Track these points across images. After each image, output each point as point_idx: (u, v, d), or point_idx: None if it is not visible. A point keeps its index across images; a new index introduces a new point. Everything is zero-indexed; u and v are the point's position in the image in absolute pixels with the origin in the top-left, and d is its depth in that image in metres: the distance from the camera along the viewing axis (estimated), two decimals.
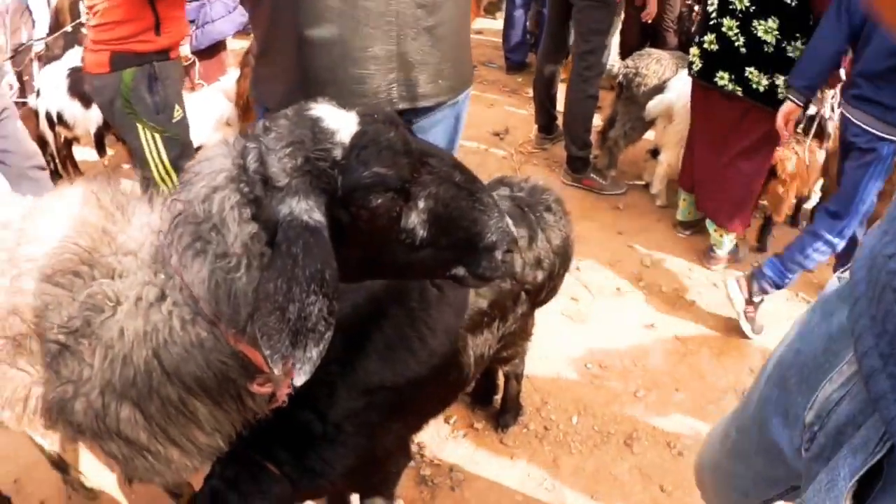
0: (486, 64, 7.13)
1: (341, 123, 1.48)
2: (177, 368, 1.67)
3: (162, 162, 3.79)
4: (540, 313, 3.15)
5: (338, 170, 1.44)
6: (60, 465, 3.57)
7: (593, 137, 4.80)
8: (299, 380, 1.42)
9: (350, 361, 1.94)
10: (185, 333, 1.62)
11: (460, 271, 1.60)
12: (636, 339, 3.55)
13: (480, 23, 8.41)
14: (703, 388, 3.25)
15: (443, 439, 3.23)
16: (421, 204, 1.51)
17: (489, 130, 5.68)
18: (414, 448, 3.19)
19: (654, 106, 4.35)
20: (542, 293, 2.40)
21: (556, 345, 3.54)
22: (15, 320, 1.84)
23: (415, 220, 1.51)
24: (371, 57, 2.25)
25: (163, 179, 3.84)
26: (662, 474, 2.92)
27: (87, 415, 1.82)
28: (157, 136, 3.72)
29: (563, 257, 2.37)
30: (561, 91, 5.14)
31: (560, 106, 5.06)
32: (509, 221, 1.57)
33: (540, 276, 2.26)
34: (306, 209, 1.41)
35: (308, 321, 1.40)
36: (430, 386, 2.10)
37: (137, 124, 3.68)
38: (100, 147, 5.95)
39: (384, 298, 2.04)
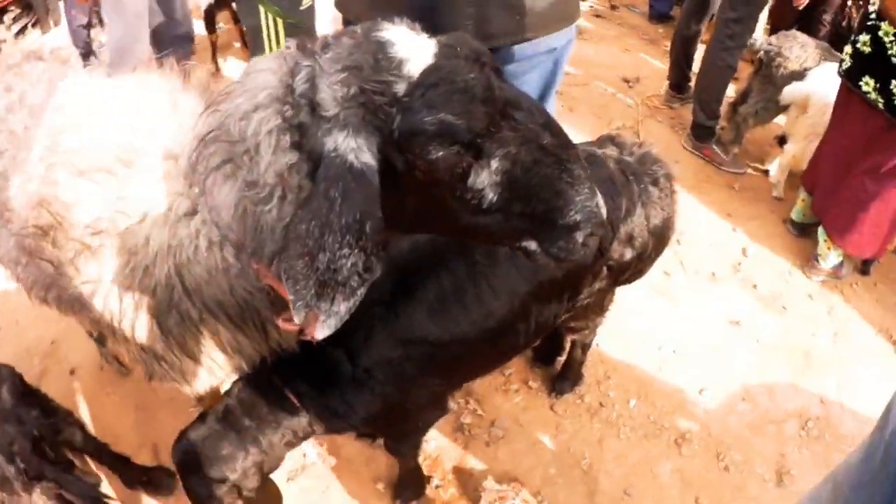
0: (630, 7, 6.74)
1: (413, 53, 1.27)
2: (198, 288, 1.60)
3: (278, 47, 3.58)
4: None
5: (397, 107, 1.25)
6: (97, 336, 3.66)
7: (723, 108, 4.49)
8: (321, 333, 1.30)
9: (395, 307, 1.80)
10: (209, 255, 1.54)
11: (531, 245, 1.39)
12: (717, 333, 3.32)
13: None
14: (770, 406, 3.02)
15: (493, 390, 3.13)
16: (495, 164, 1.30)
17: (620, 75, 5.38)
18: (461, 392, 3.11)
19: (789, 92, 4.03)
20: (626, 272, 2.19)
21: (635, 317, 3.35)
22: (43, 212, 1.83)
23: (485, 180, 1.31)
24: None
25: None
26: (702, 485, 2.75)
27: (104, 315, 1.82)
28: (279, 20, 3.54)
29: (659, 239, 2.16)
30: (700, 52, 4.81)
31: (696, 67, 4.74)
32: (600, 201, 1.34)
33: (628, 254, 2.06)
34: (353, 148, 1.24)
35: (338, 274, 1.26)
36: (479, 348, 1.98)
37: (259, 6, 3.50)
38: (209, 24, 5.85)
39: (448, 246, 1.87)
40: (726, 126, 4.49)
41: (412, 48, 1.28)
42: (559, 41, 2.14)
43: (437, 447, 2.94)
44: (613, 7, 6.61)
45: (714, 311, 3.42)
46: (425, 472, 2.79)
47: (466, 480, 2.82)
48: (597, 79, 5.27)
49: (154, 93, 1.88)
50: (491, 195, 1.32)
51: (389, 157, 1.28)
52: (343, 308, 1.30)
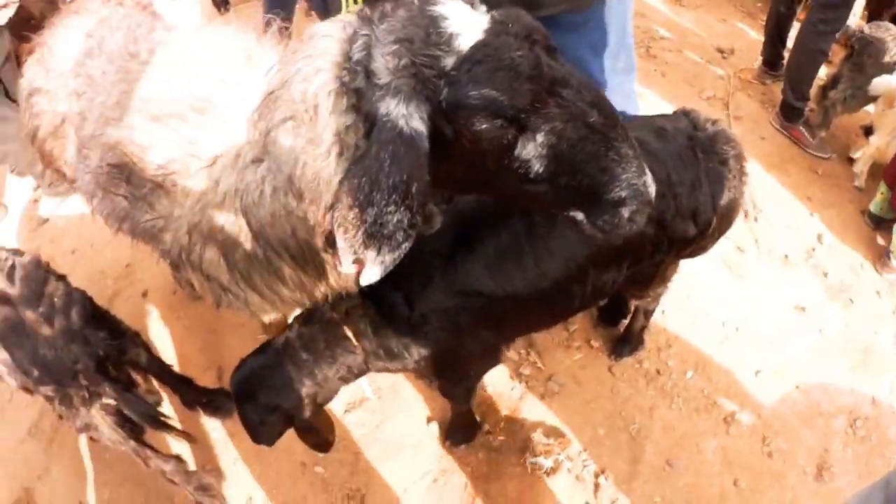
0: None
1: (464, 28, 1.34)
2: (262, 229, 1.71)
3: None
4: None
5: (445, 80, 1.33)
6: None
7: (813, 91, 4.36)
8: (365, 279, 1.40)
9: (454, 258, 1.88)
10: (273, 200, 1.63)
11: (579, 215, 1.46)
12: (782, 317, 3.29)
13: None
14: (822, 398, 3.00)
15: (555, 344, 3.21)
16: (540, 138, 1.37)
17: (714, 45, 5.28)
18: (523, 343, 3.21)
19: (877, 83, 3.90)
20: (688, 247, 2.21)
21: (702, 290, 3.37)
22: (118, 152, 1.98)
23: (531, 152, 1.38)
24: None
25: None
26: (743, 467, 2.78)
27: (174, 247, 2.00)
28: None
29: (724, 219, 2.17)
30: (795, 31, 4.62)
31: (791, 45, 4.57)
32: (649, 179, 1.39)
33: (691, 230, 2.08)
34: (404, 114, 1.33)
35: (384, 228, 1.35)
36: (532, 306, 2.05)
37: None
38: None
39: (509, 205, 1.92)
40: (815, 109, 4.38)
41: (463, 24, 1.34)
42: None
43: (493, 393, 3.03)
44: None
45: (781, 294, 3.39)
46: (478, 418, 2.90)
47: (517, 431, 2.92)
48: (691, 46, 5.18)
49: (229, 45, 2.00)
50: (537, 166, 1.39)
51: (439, 125, 1.36)
52: (388, 258, 1.40)
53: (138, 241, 2.36)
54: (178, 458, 2.90)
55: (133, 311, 3.17)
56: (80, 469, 3.46)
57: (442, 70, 1.33)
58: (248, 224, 1.74)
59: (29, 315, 2.68)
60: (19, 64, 5.12)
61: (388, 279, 1.44)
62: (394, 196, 1.34)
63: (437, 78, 1.33)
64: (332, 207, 1.45)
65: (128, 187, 2.00)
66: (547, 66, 1.35)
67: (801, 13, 4.74)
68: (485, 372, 2.48)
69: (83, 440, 3.52)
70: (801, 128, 4.34)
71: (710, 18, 5.63)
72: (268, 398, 2.04)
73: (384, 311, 1.93)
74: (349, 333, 1.98)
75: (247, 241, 1.80)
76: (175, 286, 3.85)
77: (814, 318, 3.30)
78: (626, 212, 1.44)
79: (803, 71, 4.24)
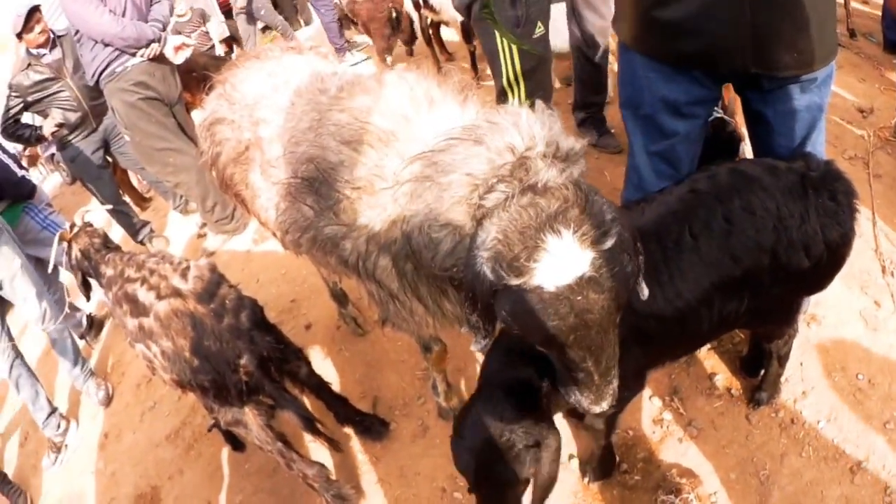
0: (868, 37, 6.76)
1: (546, 270, 1.67)
2: (419, 253, 2.10)
3: (514, 69, 4.04)
4: (837, 307, 3.32)
5: (501, 286, 1.74)
6: (340, 297, 4.33)
7: None
8: (474, 348, 2.00)
9: None
10: (420, 234, 2.05)
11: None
12: None
13: None
14: None
15: (698, 392, 3.50)
16: (539, 347, 1.93)
17: (855, 105, 5.53)
18: (668, 390, 3.52)
19: None
20: (804, 282, 2.50)
21: (839, 343, 3.59)
22: (310, 167, 2.41)
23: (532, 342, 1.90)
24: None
25: (510, 86, 4.11)
26: None
27: (352, 254, 2.37)
28: (513, 46, 3.96)
29: (835, 254, 2.43)
30: None
31: None
32: (600, 406, 1.93)
33: (804, 262, 2.36)
34: (481, 260, 1.76)
35: (470, 322, 1.96)
36: (670, 326, 2.35)
37: (495, 30, 3.92)
38: (466, 35, 6.63)
39: (645, 231, 2.26)
40: None
41: (553, 267, 1.67)
42: (821, 73, 2.52)
43: (634, 436, 3.35)
44: (852, 35, 6.68)
45: None
46: (617, 458, 3.21)
47: (653, 472, 3.21)
48: (832, 108, 5.24)
49: (414, 87, 2.33)
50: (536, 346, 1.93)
51: None
52: (482, 343, 1.95)
53: (314, 255, 2.71)
54: (321, 465, 3.17)
55: (296, 342, 3.50)
56: (216, 476, 3.84)
57: (503, 284, 1.71)
58: (409, 244, 2.13)
59: (199, 308, 2.95)
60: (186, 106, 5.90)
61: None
62: (469, 302, 1.86)
63: (499, 280, 1.72)
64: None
65: (316, 198, 2.39)
66: (572, 337, 1.76)
67: None
68: (630, 399, 2.77)
69: (224, 452, 3.91)
70: None
71: (850, 79, 5.88)
72: (524, 458, 2.25)
73: None
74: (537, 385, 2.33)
75: (412, 256, 2.19)
76: (340, 322, 4.43)
77: None
78: (573, 397, 1.97)
79: None
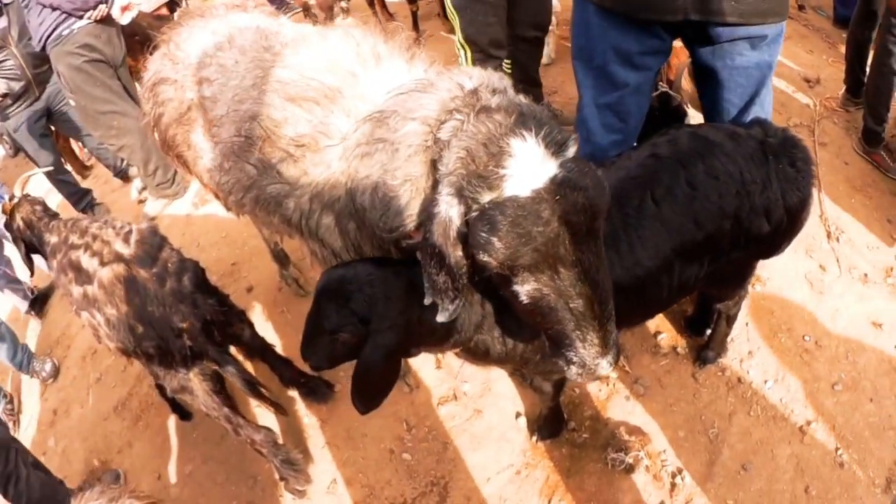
0: (817, 10, 6.79)
1: (519, 175, 1.59)
2: (363, 211, 2.03)
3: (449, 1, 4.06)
4: (783, 270, 3.24)
5: (476, 207, 1.62)
6: (281, 258, 4.22)
7: (893, 115, 4.56)
8: (440, 319, 1.82)
9: None
10: (372, 195, 1.96)
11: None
12: (859, 333, 3.52)
13: None
14: (894, 413, 3.18)
15: (643, 350, 3.49)
16: (526, 289, 1.70)
17: (801, 75, 5.57)
18: None
19: None
20: (763, 246, 2.47)
21: (785, 305, 3.62)
22: (254, 125, 2.29)
23: (517, 290, 1.71)
24: None
25: (451, 18, 4.15)
26: (814, 476, 2.96)
27: (295, 212, 2.26)
28: None
29: (794, 218, 2.40)
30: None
31: None
32: (605, 362, 1.76)
33: (765, 227, 2.32)
34: (447, 202, 1.66)
35: (436, 284, 1.76)
36: (630, 295, 2.25)
37: None
38: None
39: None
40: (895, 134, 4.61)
41: (521, 170, 1.58)
42: (770, 30, 2.49)
43: (580, 394, 3.33)
44: (801, 7, 6.70)
45: (860, 311, 3.62)
46: (565, 416, 3.19)
47: (600, 429, 3.20)
48: (779, 76, 5.45)
49: (360, 44, 2.24)
50: (523, 298, 1.71)
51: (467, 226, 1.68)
52: (451, 307, 1.79)
53: (257, 215, 2.60)
54: (268, 430, 3.12)
55: (238, 305, 3.39)
56: (165, 447, 3.76)
57: (476, 200, 1.62)
58: (353, 203, 2.05)
59: (141, 273, 2.85)
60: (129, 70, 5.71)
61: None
62: (434, 261, 1.71)
63: (474, 201, 1.63)
64: (417, 231, 1.86)
65: (259, 156, 2.30)
66: (562, 246, 1.62)
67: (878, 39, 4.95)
68: None
69: (172, 421, 3.82)
70: (881, 152, 4.58)
71: (797, 49, 5.93)
72: (359, 306, 1.96)
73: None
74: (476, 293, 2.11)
75: (355, 214, 2.11)
76: (281, 283, 4.32)
77: (891, 334, 3.52)
78: (573, 370, 1.80)
79: (879, 93, 4.48)
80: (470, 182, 1.61)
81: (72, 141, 7.13)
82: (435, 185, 1.73)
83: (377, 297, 1.94)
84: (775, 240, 2.48)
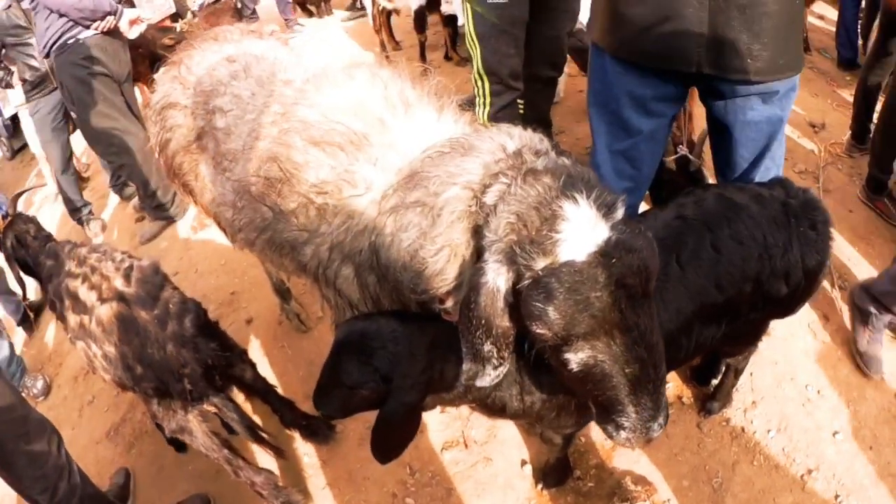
0: (821, 52, 6.86)
1: (573, 241, 1.53)
2: (387, 268, 1.96)
3: (470, 31, 3.99)
4: (787, 320, 3.13)
5: (529, 275, 1.56)
6: (283, 292, 4.15)
7: None
8: (479, 384, 1.78)
9: None
10: (396, 253, 1.90)
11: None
12: (860, 381, 3.50)
13: (822, 7, 8.11)
14: (892, 460, 3.16)
15: None
16: (580, 357, 1.62)
17: (807, 119, 5.59)
18: None
19: None
20: (780, 307, 2.47)
21: (789, 355, 3.63)
22: (273, 166, 2.19)
23: (569, 358, 1.63)
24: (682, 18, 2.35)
25: (470, 47, 4.07)
26: None
27: (312, 260, 2.20)
28: (469, 6, 3.92)
29: (812, 280, 2.40)
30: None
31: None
32: (656, 425, 1.70)
33: (783, 290, 2.32)
34: (495, 270, 1.60)
35: (479, 353, 1.70)
36: None
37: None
38: (420, 24, 6.66)
39: None
40: None
41: (575, 236, 1.52)
42: (783, 85, 2.50)
43: (586, 443, 3.30)
44: (806, 49, 6.72)
45: None
46: (571, 465, 3.16)
47: (606, 478, 3.17)
48: None
49: (389, 88, 2.16)
50: (573, 367, 1.63)
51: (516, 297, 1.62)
52: (493, 374, 1.75)
53: (268, 258, 2.55)
54: (269, 472, 3.06)
55: (236, 337, 3.34)
56: (159, 477, 3.68)
57: (530, 267, 1.55)
58: (376, 257, 1.99)
59: (142, 315, 2.77)
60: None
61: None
62: (480, 331, 1.65)
63: (527, 268, 1.56)
64: (448, 296, 1.82)
65: (277, 199, 2.21)
66: (619, 310, 1.56)
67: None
68: (590, 421, 2.63)
69: (166, 451, 3.74)
70: (885, 200, 4.60)
71: (803, 93, 5.92)
72: (383, 364, 1.92)
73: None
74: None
75: (377, 269, 2.04)
76: (282, 317, 4.24)
77: (891, 383, 3.52)
78: (623, 434, 1.73)
79: (887, 142, 4.49)
80: (523, 248, 1.55)
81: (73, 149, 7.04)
82: (476, 251, 1.69)
83: (401, 354, 1.90)
84: (792, 301, 2.47)
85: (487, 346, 1.68)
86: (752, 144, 2.71)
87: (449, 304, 1.85)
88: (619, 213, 1.60)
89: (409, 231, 1.82)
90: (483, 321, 1.63)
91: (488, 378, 1.75)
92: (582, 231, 1.52)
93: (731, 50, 2.38)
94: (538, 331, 1.58)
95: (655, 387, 1.66)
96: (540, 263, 1.53)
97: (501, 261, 1.59)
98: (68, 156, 6.29)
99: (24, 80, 5.71)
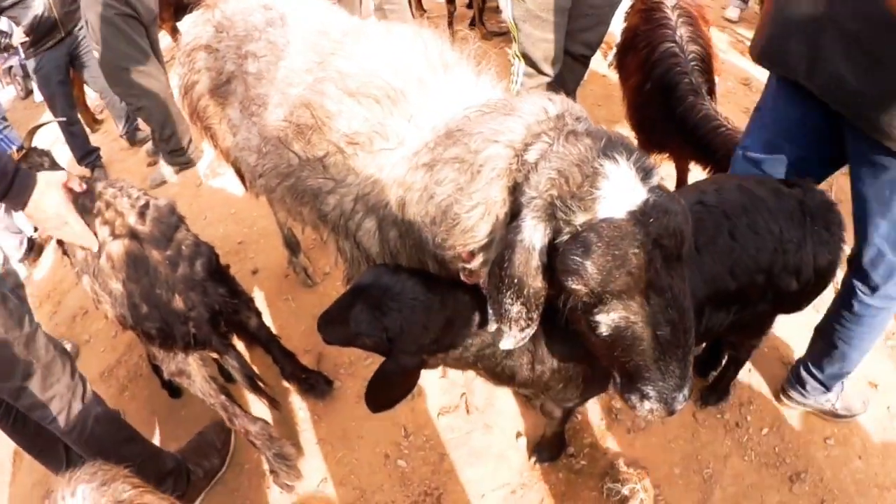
0: None
1: (612, 198, 1.55)
2: (411, 224, 2.01)
3: (510, 12, 3.94)
4: (789, 321, 3.21)
5: (568, 230, 1.58)
6: (292, 245, 4.19)
7: None
8: (502, 346, 1.80)
9: None
10: (425, 208, 1.93)
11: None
12: (855, 390, 3.50)
13: None
14: (879, 471, 3.19)
15: None
16: (612, 317, 1.63)
17: None
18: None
19: None
20: (787, 302, 2.53)
21: (789, 354, 3.68)
22: (305, 112, 2.22)
23: (601, 319, 1.64)
24: None
25: (513, 29, 4.04)
26: None
27: (335, 210, 2.23)
28: None
29: (821, 279, 2.48)
30: None
31: None
32: (681, 396, 1.69)
33: (793, 285, 2.39)
34: (531, 226, 1.62)
35: (508, 313, 1.72)
36: None
37: None
38: None
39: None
40: None
41: (614, 193, 1.54)
42: None
43: (581, 421, 3.37)
44: None
45: (858, 370, 3.52)
46: (567, 441, 3.22)
47: (599, 458, 3.24)
48: None
49: (429, 48, 2.18)
50: (603, 330, 1.65)
51: (551, 252, 1.63)
52: (517, 336, 1.75)
53: (286, 206, 2.57)
54: (264, 422, 3.07)
55: (242, 287, 3.31)
56: (150, 421, 3.71)
57: (570, 222, 1.57)
58: (403, 213, 2.02)
59: (154, 254, 2.74)
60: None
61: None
62: (510, 291, 1.67)
63: (566, 223, 1.58)
64: (471, 256, 1.83)
65: (305, 146, 2.23)
66: (654, 269, 1.57)
67: None
68: (593, 396, 2.76)
69: (159, 395, 3.77)
70: None
71: None
72: (393, 326, 1.96)
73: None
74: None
75: (401, 224, 2.08)
76: (289, 270, 4.27)
77: (885, 394, 3.58)
78: (647, 405, 1.72)
79: None
80: (564, 202, 1.57)
81: (86, 90, 7.05)
82: (510, 212, 1.71)
83: (415, 323, 1.96)
84: (800, 298, 2.54)
85: (517, 307, 1.70)
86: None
87: (473, 263, 1.87)
88: (656, 179, 1.63)
89: (444, 186, 1.85)
90: (516, 280, 1.65)
91: (512, 340, 1.78)
92: (622, 190, 1.55)
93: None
94: (573, 286, 1.59)
95: (684, 353, 1.67)
96: (580, 219, 1.56)
97: (540, 217, 1.61)
98: (74, 105, 6.34)
99: (28, 34, 5.66)
